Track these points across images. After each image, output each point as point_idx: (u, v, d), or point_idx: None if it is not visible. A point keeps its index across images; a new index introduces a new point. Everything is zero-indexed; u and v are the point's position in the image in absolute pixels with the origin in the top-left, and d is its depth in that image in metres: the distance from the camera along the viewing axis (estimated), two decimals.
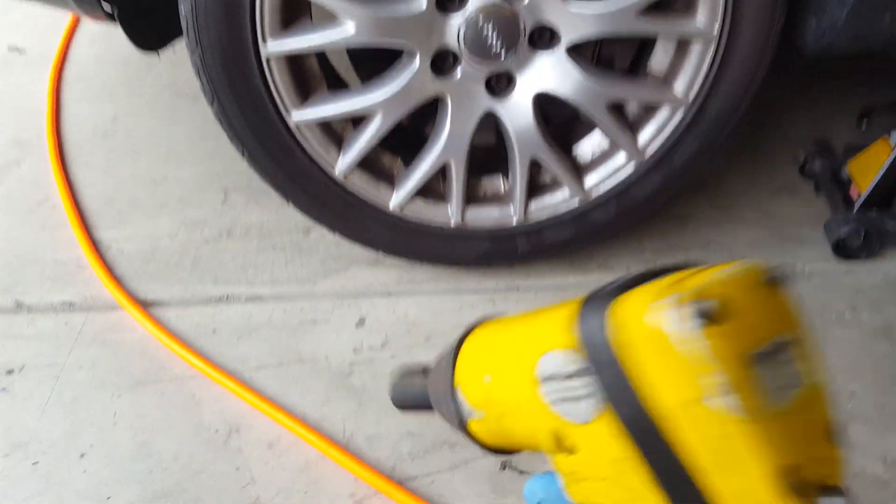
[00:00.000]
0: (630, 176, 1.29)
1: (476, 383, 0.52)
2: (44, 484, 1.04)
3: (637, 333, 0.38)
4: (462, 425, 0.53)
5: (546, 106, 1.21)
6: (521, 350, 0.47)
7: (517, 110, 1.21)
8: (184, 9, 1.06)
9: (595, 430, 0.41)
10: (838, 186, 1.56)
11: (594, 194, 1.30)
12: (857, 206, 1.48)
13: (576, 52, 1.15)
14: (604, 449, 0.41)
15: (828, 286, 1.41)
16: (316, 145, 1.20)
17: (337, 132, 1.23)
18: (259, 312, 1.31)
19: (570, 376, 0.41)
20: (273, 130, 1.17)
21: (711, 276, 0.39)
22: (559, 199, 1.31)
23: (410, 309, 1.32)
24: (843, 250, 1.47)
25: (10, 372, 1.20)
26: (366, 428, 1.12)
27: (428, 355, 1.26)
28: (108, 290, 1.32)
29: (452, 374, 0.54)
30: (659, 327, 0.37)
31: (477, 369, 0.52)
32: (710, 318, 0.36)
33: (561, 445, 0.44)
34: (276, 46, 1.08)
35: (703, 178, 1.62)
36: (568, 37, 1.12)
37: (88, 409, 1.14)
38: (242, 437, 1.10)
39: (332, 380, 1.19)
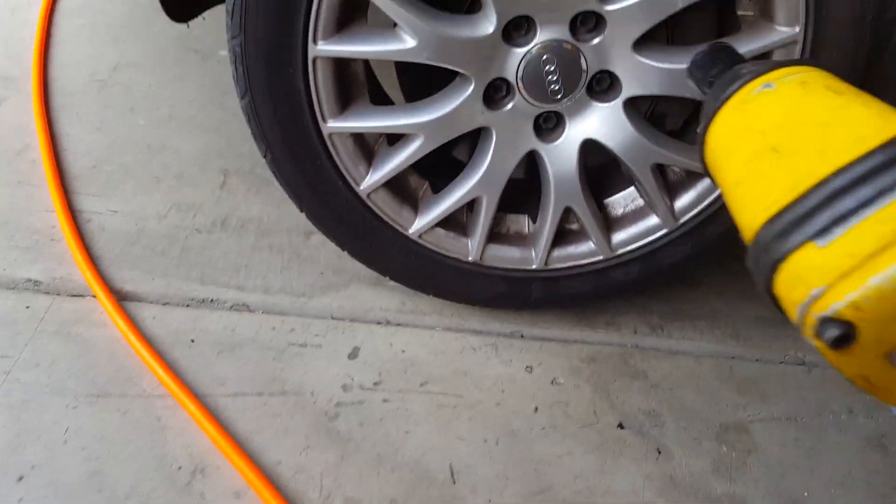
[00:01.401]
0: (659, 240, 1.12)
1: None
2: None
3: None
4: None
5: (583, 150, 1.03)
6: None
7: (562, 155, 1.02)
8: None
9: None
10: None
11: (619, 252, 1.12)
12: None
13: (631, 104, 0.98)
14: None
15: (827, 381, 1.25)
16: (345, 157, 0.98)
17: (369, 146, 1.01)
18: (245, 325, 1.07)
19: None
20: (304, 135, 0.94)
21: None
22: (583, 251, 1.14)
23: (409, 344, 1.11)
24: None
25: None
26: (346, 487, 0.91)
27: (422, 403, 1.05)
28: (81, 273, 1.07)
29: None
30: None
31: None
32: None
33: None
34: (326, 47, 0.86)
35: None
36: (630, 90, 0.95)
37: (38, 418, 0.90)
38: (208, 480, 0.88)
39: (316, 421, 0.97)
